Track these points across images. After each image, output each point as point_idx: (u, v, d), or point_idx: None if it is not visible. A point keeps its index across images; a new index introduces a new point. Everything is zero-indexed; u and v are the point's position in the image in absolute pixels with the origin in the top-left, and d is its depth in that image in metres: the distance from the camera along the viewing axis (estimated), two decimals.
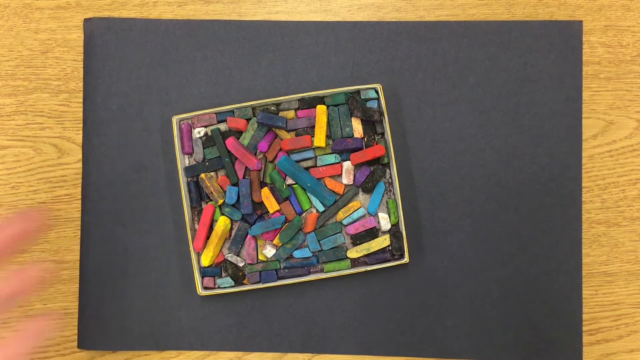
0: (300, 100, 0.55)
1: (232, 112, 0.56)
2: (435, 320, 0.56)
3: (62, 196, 0.58)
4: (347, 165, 0.55)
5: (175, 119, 0.55)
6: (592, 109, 0.58)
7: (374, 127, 0.56)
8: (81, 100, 0.59)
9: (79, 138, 0.58)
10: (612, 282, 0.57)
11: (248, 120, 0.56)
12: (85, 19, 0.59)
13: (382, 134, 0.55)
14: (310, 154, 0.56)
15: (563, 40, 0.57)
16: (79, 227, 0.58)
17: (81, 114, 0.58)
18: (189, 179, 0.56)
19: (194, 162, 0.56)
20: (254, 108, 0.56)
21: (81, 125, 0.58)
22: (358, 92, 0.55)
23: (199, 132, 0.56)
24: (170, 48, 0.58)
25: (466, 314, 0.56)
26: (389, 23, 0.58)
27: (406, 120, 0.57)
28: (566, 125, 0.57)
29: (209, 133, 0.56)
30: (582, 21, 0.58)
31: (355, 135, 0.55)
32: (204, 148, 0.56)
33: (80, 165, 0.58)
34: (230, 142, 0.55)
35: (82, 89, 0.58)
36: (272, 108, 0.55)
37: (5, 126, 0.59)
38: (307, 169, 0.56)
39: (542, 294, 0.56)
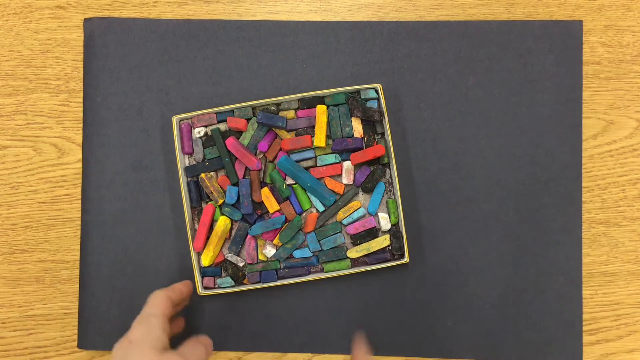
0: (300, 100, 0.55)
1: (232, 112, 0.56)
2: (435, 320, 0.56)
3: (62, 196, 0.58)
4: (347, 165, 0.55)
5: (175, 119, 0.55)
6: (592, 109, 0.58)
7: (374, 127, 0.55)
8: (81, 100, 0.59)
9: (79, 138, 0.58)
10: (612, 282, 0.57)
11: (248, 120, 0.55)
12: (85, 19, 0.59)
13: (382, 133, 0.55)
14: (310, 153, 0.56)
15: (563, 40, 0.57)
16: (79, 227, 0.58)
17: (81, 114, 0.58)
18: (189, 179, 0.56)
19: (194, 162, 0.56)
20: (254, 108, 0.55)
21: (81, 125, 0.58)
22: (358, 92, 0.55)
23: (199, 132, 0.56)
24: (170, 48, 0.58)
25: (466, 314, 0.56)
26: (389, 23, 0.58)
27: (406, 120, 0.57)
28: (566, 125, 0.57)
29: (209, 133, 0.56)
30: (582, 21, 0.58)
31: (355, 135, 0.55)
32: (204, 148, 0.56)
33: (80, 165, 0.58)
34: (230, 142, 0.55)
35: (82, 89, 0.58)
36: (272, 108, 0.55)
37: (5, 126, 0.59)
38: (307, 168, 0.55)
39: (542, 294, 0.56)
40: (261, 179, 0.55)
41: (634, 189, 0.57)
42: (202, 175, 0.55)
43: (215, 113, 0.55)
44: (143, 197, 0.57)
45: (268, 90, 0.58)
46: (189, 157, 0.57)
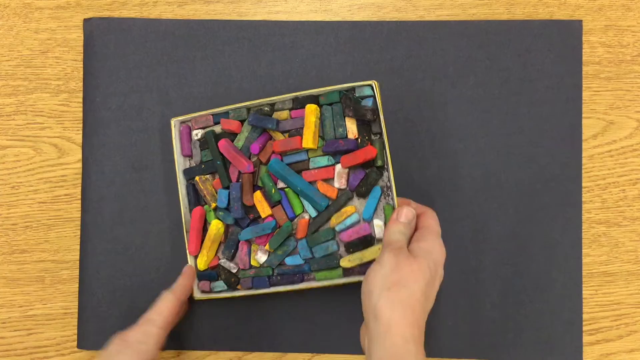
0: (294, 100, 0.53)
1: (227, 113, 0.54)
2: (435, 320, 0.56)
3: (62, 196, 0.58)
4: (338, 168, 0.52)
5: (173, 121, 0.54)
6: (592, 109, 0.58)
7: (370, 127, 0.52)
8: (81, 100, 0.59)
9: (79, 138, 0.58)
10: (612, 282, 0.57)
11: (243, 121, 0.54)
12: (85, 19, 0.59)
13: (380, 134, 0.51)
14: (303, 156, 0.53)
15: (563, 40, 0.57)
16: (79, 227, 0.58)
17: (81, 114, 0.59)
18: (188, 182, 0.55)
19: (193, 165, 0.56)
20: (249, 109, 0.54)
21: (81, 125, 0.58)
22: (353, 89, 0.52)
23: (196, 134, 0.55)
24: (170, 48, 0.58)
25: (466, 314, 0.56)
26: (389, 23, 0.58)
27: (406, 120, 0.57)
28: (566, 125, 0.57)
29: (205, 135, 0.55)
30: (582, 21, 0.58)
31: (349, 136, 0.51)
32: (201, 150, 0.55)
33: (80, 165, 0.58)
34: (222, 144, 0.53)
35: (82, 89, 0.59)
36: (266, 109, 0.53)
37: (5, 126, 0.59)
38: (300, 171, 0.53)
39: (542, 294, 0.56)
40: (254, 182, 0.54)
41: (634, 189, 0.57)
42: (197, 178, 0.54)
43: (212, 114, 0.54)
44: (143, 197, 0.57)
45: (268, 90, 0.58)
46: (189, 160, 0.56)
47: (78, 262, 0.58)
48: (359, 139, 0.52)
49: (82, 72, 0.59)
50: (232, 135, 0.55)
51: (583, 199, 0.57)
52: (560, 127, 0.57)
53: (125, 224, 0.57)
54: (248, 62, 0.58)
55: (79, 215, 0.58)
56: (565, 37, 0.57)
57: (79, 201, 0.58)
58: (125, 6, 0.59)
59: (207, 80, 0.58)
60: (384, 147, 0.51)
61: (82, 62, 0.59)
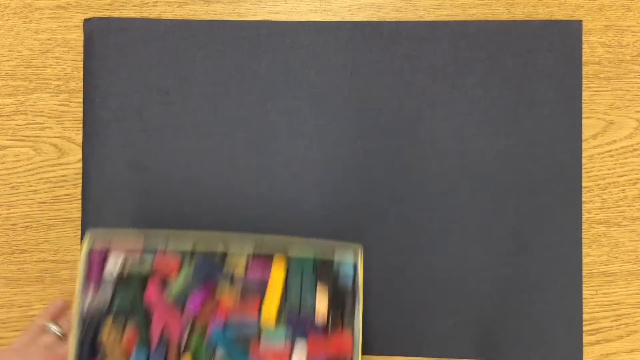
0: (254, 250, 0.43)
1: (166, 239, 0.44)
2: (436, 320, 0.56)
3: (62, 196, 0.58)
4: (299, 350, 0.42)
5: (87, 239, 0.42)
6: (592, 109, 0.58)
7: (345, 301, 0.43)
8: (81, 100, 0.59)
9: (79, 138, 0.58)
10: (612, 282, 0.57)
11: (183, 259, 0.43)
12: (85, 19, 0.59)
13: (354, 312, 0.43)
14: (254, 323, 0.43)
15: (563, 40, 0.57)
16: (79, 227, 0.58)
17: (81, 114, 0.59)
18: (87, 325, 0.42)
19: (98, 303, 0.43)
20: (192, 252, 0.42)
21: (81, 125, 0.58)
22: (332, 250, 0.44)
23: (114, 263, 0.43)
24: (170, 48, 0.58)
25: (466, 314, 0.56)
26: (389, 23, 0.58)
27: (406, 120, 0.57)
28: (566, 125, 0.57)
29: (127, 269, 0.43)
30: (581, 21, 0.58)
31: (318, 309, 0.42)
32: (115, 288, 0.43)
33: (80, 165, 0.58)
34: (151, 292, 0.42)
35: (82, 89, 0.59)
36: (217, 261, 0.42)
37: (5, 126, 0.59)
38: (247, 343, 0.42)
39: (542, 294, 0.56)
40: (182, 347, 0.42)
41: (634, 189, 0.57)
42: (105, 326, 0.42)
43: (143, 243, 0.43)
44: (143, 198, 0.57)
45: (268, 90, 0.58)
46: (94, 294, 0.43)
47: (78, 262, 0.58)
48: (330, 318, 0.43)
49: (82, 72, 0.59)
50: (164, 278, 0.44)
51: (583, 199, 0.57)
52: (560, 127, 0.57)
53: (125, 224, 0.57)
54: (248, 62, 0.58)
55: (79, 215, 0.58)
56: (565, 37, 0.57)
57: (79, 201, 0.58)
58: (125, 6, 0.59)
59: (207, 80, 0.58)
60: (354, 334, 0.43)
61: (82, 62, 0.59)
